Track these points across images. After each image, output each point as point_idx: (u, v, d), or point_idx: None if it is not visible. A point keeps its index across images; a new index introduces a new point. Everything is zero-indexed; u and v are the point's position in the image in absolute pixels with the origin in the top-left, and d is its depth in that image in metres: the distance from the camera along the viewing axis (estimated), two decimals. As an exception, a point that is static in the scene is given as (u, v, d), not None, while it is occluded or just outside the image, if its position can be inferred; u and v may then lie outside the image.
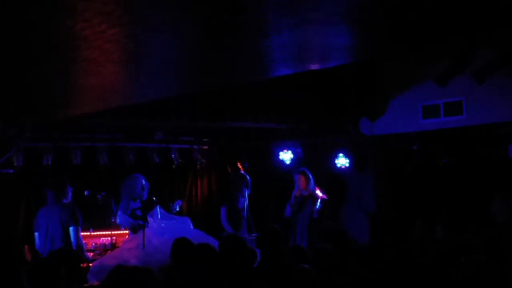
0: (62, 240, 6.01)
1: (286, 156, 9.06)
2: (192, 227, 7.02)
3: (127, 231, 7.24)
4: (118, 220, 7.09)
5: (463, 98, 7.17)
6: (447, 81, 7.18)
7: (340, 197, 8.73)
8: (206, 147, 9.23)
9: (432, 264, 4.51)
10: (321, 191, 7.74)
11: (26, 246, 6.87)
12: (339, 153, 8.69)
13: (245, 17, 2.51)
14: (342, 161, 8.67)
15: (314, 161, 8.78)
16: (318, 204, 7.65)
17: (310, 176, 7.83)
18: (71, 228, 6.02)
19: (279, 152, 9.12)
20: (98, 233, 7.32)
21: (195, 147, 9.09)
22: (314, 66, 4.87)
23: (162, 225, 6.75)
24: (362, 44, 3.59)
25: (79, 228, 6.12)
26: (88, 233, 7.15)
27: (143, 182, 7.18)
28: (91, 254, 6.82)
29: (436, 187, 8.18)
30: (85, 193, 7.18)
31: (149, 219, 6.77)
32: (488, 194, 6.30)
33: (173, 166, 8.83)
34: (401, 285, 4.19)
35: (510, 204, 5.69)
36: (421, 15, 2.83)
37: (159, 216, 6.93)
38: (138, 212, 6.88)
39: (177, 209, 7.67)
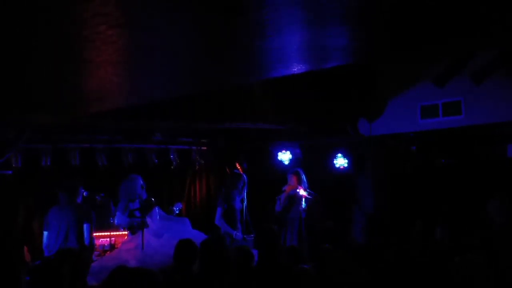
0: (76, 239, 6.09)
1: (284, 156, 9.07)
2: (191, 228, 7.02)
3: (126, 232, 7.25)
4: (116, 221, 7.10)
5: (462, 98, 7.16)
6: (445, 82, 7.17)
7: (339, 198, 8.72)
8: (204, 148, 9.22)
9: (432, 264, 4.51)
10: (305, 190, 7.72)
11: (25, 247, 6.87)
12: (338, 153, 8.69)
13: (244, 17, 2.51)
14: (340, 162, 8.67)
15: (313, 161, 8.79)
16: (303, 203, 7.64)
17: (303, 177, 7.81)
18: (85, 226, 6.12)
19: (277, 152, 9.12)
20: (97, 234, 7.32)
21: (194, 148, 9.08)
22: (312, 67, 4.86)
23: (161, 226, 6.75)
24: (361, 45, 3.59)
25: (93, 226, 6.24)
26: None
27: (141, 182, 7.20)
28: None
29: (435, 187, 8.19)
30: (84, 194, 7.19)
31: (148, 220, 6.77)
32: (486, 194, 6.30)
33: (172, 167, 8.83)
34: (401, 285, 4.19)
35: (508, 204, 5.69)
36: (420, 15, 2.83)
37: (158, 217, 6.93)
38: (137, 213, 6.89)
39: (177, 212, 7.68)
